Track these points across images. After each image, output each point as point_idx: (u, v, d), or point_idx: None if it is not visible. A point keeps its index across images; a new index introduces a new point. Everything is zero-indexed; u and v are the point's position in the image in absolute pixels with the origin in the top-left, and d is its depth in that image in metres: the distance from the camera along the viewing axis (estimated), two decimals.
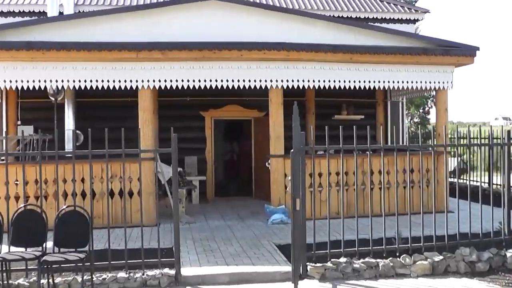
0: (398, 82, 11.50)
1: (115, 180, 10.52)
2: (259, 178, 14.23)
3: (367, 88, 11.50)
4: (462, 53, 11.49)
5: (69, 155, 8.15)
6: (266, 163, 11.44)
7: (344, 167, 10.85)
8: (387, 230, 8.19)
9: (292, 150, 7.01)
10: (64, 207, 7.09)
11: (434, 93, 13.80)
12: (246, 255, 8.22)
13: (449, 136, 13.19)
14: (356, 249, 7.75)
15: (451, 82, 11.82)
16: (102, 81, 10.49)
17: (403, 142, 15.75)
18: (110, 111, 13.83)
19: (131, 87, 10.57)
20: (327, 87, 11.13)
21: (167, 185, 10.87)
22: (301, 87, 11.11)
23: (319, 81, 11.11)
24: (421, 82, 11.62)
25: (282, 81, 10.93)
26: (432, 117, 42.92)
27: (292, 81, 10.98)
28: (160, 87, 10.71)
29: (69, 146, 12.91)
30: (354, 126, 7.96)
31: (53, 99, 13.38)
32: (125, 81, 10.51)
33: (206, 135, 14.43)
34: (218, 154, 15.79)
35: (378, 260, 7.75)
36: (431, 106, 32.13)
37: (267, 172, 13.17)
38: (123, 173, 8.14)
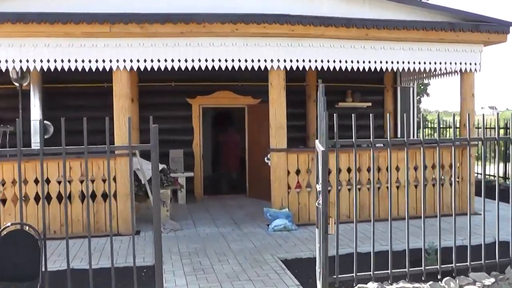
0: (419, 63, 9.80)
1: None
2: (254, 174, 12.53)
3: (384, 69, 9.77)
4: (494, 29, 9.82)
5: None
6: (265, 158, 9.73)
7: (357, 163, 9.23)
8: (411, 239, 6.51)
9: (320, 146, 5.30)
10: (8, 224, 5.27)
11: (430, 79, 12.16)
12: (247, 277, 6.52)
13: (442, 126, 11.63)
14: (389, 271, 6.03)
15: (479, 64, 10.16)
16: (69, 61, 8.65)
17: (413, 133, 14.12)
18: (85, 99, 12.04)
19: (104, 68, 8.76)
20: (337, 68, 9.42)
21: (148, 184, 9.12)
22: (307, 68, 9.37)
23: (328, 61, 9.38)
24: (445, 63, 9.95)
25: (284, 61, 9.18)
26: (423, 105, 41.49)
27: (297, 61, 9.24)
28: (139, 68, 8.89)
29: (35, 139, 11.16)
30: (371, 115, 6.13)
31: (17, 84, 11.56)
32: (97, 61, 8.70)
33: (193, 126, 12.66)
34: (207, 147, 14.04)
35: (415, 285, 6.08)
36: (423, 95, 30.95)
37: (263, 168, 11.50)
38: (86, 172, 6.34)
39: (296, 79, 12.06)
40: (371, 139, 5.82)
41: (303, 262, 7.30)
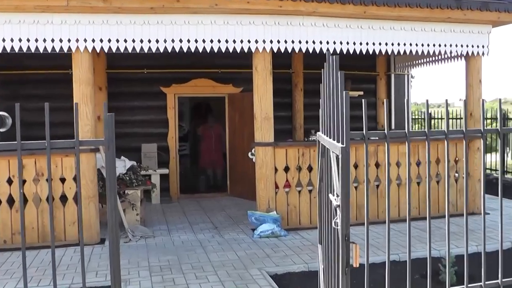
0: (422, 45, 8.71)
1: (42, 180, 7.49)
2: (236, 171, 11.36)
3: (383, 52, 8.62)
4: (504, 7, 8.75)
5: None
6: (249, 154, 8.56)
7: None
8: (413, 243, 5.41)
9: (328, 140, 4.14)
10: None
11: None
12: None
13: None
14: None
15: (487, 47, 9.11)
16: (20, 40, 7.35)
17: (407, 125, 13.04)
18: (49, 88, 10.74)
19: (62, 49, 7.50)
20: (331, 50, 8.22)
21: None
22: (296, 50, 8.18)
23: (321, 42, 8.20)
24: (450, 45, 8.87)
25: (271, 42, 8.00)
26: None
27: (285, 42, 8.06)
28: (103, 50, 7.63)
29: None
30: (363, 102, 4.95)
31: None
32: (53, 40, 7.41)
33: (168, 117, 11.42)
34: (184, 140, 12.84)
35: None
36: None
37: (246, 164, 10.40)
38: (48, 171, 5.15)
39: (281, 65, 10.92)
40: (385, 131, 4.67)
41: (296, 278, 6.16)
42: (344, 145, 2.80)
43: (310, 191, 8.37)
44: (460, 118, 13.83)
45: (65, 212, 7.56)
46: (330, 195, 3.30)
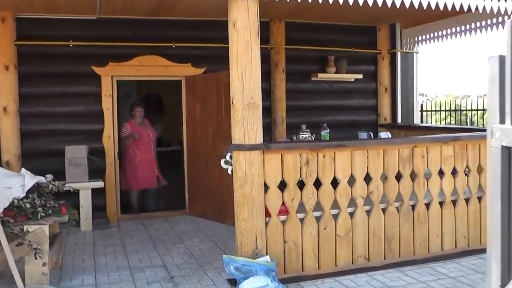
0: None
1: None
2: (198, 181, 8.34)
3: (397, 4, 5.57)
4: None
5: None
6: (222, 161, 5.48)
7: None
8: None
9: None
10: None
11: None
12: None
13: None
14: None
15: None
16: None
17: (414, 118, 10.27)
18: None
19: None
20: (331, 1, 5.20)
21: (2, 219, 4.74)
22: None
23: None
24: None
25: None
26: None
27: None
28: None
29: None
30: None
31: None
32: None
33: (103, 108, 8.24)
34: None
35: None
36: None
37: (211, 171, 7.56)
38: None
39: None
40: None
41: None
42: None
43: (317, 218, 5.43)
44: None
45: None
46: None
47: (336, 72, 9.29)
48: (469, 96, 19.71)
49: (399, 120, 9.77)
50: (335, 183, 5.47)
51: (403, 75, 9.81)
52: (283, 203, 5.28)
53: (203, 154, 8.09)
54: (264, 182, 5.17)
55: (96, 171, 8.06)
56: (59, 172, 7.64)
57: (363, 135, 8.17)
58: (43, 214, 5.10)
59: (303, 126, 7.65)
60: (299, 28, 9.08)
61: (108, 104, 8.21)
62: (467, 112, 11.39)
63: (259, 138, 5.06)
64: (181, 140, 8.88)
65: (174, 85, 8.98)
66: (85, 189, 7.67)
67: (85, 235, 7.47)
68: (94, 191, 7.83)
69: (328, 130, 7.79)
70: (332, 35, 9.35)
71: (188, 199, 8.60)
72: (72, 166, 7.67)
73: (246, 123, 4.99)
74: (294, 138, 7.60)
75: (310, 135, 7.58)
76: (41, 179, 5.35)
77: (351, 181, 5.53)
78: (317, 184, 5.38)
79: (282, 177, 5.24)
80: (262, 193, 5.13)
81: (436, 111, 12.20)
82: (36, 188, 5.27)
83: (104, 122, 8.21)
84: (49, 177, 7.49)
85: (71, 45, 8.03)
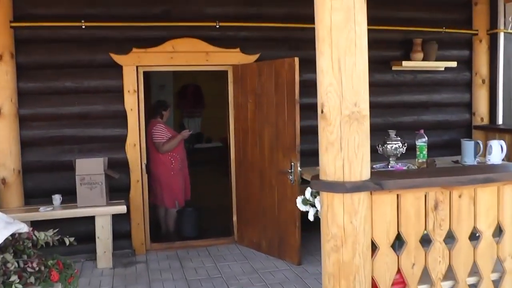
0: None
1: None
2: (248, 201, 6.44)
3: None
4: None
5: None
6: (298, 200, 3.53)
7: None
8: None
9: None
10: None
11: None
12: None
13: None
14: None
15: None
16: None
17: None
18: None
19: None
20: None
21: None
22: None
23: None
24: None
25: None
26: None
27: None
28: None
29: None
30: None
31: None
32: None
33: (126, 108, 6.36)
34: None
35: None
36: None
37: (266, 192, 5.68)
38: None
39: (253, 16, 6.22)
40: None
41: None
42: None
43: None
44: None
45: None
46: None
47: (423, 59, 7.24)
48: None
49: (499, 121, 7.67)
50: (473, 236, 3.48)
51: (506, 63, 7.67)
52: (398, 270, 3.30)
53: (256, 167, 6.18)
54: (372, 238, 3.21)
55: (117, 188, 6.24)
56: (71, 191, 5.90)
57: (468, 145, 6.01)
58: (19, 286, 3.24)
59: (391, 133, 5.66)
60: (377, 4, 7.07)
61: (133, 103, 6.33)
62: None
63: (365, 172, 3.10)
64: (224, 136, 7.06)
65: (217, 75, 7.10)
66: (102, 215, 5.86)
67: (102, 276, 5.67)
68: (116, 214, 6.01)
69: (426, 138, 5.76)
70: (417, 11, 7.31)
71: (237, 222, 6.69)
72: (85, 185, 5.83)
73: (346, 146, 3.03)
74: (380, 149, 5.62)
75: (401, 144, 5.59)
76: (19, 228, 3.48)
77: (496, 233, 3.53)
78: (448, 237, 3.39)
79: (397, 229, 3.27)
80: (369, 259, 3.17)
81: None
82: (12, 243, 3.41)
83: (128, 126, 6.34)
84: (57, 198, 5.83)
85: (83, 27, 6.16)
